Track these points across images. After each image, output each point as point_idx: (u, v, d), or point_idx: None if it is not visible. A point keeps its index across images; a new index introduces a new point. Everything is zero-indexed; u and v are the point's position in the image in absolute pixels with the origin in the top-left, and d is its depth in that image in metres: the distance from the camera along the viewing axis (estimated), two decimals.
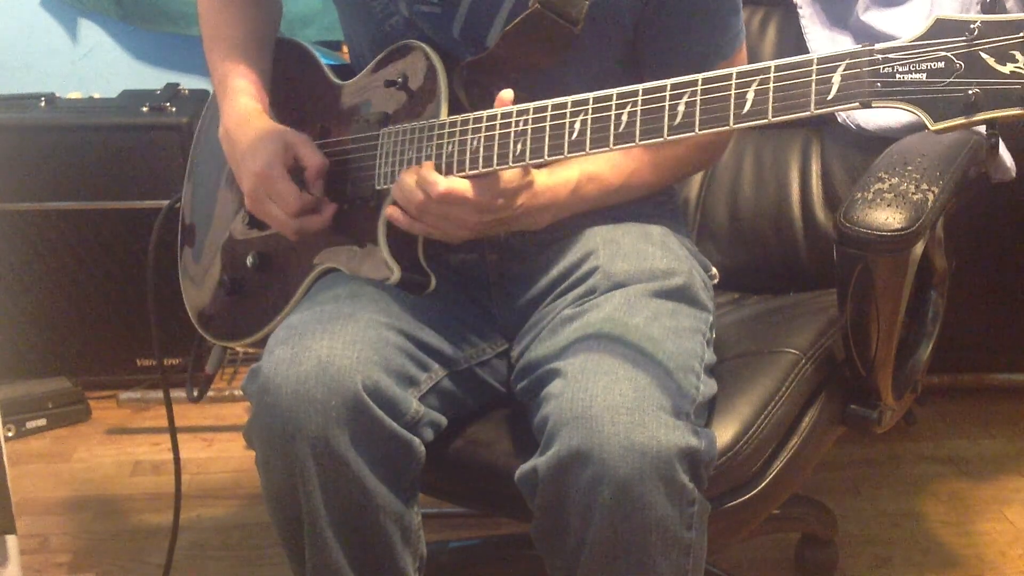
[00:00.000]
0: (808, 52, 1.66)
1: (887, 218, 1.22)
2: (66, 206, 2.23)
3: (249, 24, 1.43)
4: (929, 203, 1.24)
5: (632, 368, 1.12)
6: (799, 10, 1.71)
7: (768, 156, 1.70)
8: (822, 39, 1.69)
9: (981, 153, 1.39)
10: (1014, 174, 1.59)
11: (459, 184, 1.18)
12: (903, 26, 1.65)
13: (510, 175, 1.19)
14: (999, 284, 2.17)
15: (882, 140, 1.51)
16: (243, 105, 1.36)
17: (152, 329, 1.60)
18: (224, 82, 1.40)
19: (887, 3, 1.68)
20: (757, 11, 1.77)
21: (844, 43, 1.69)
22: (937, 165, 1.30)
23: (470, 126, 1.19)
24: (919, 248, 1.26)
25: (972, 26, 0.91)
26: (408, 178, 1.20)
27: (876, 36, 1.66)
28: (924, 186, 1.26)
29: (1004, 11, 0.91)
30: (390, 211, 1.23)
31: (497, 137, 1.16)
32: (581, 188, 1.30)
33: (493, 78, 1.24)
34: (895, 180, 1.27)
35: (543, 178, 1.26)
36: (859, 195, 1.25)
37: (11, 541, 1.55)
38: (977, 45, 0.90)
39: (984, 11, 0.93)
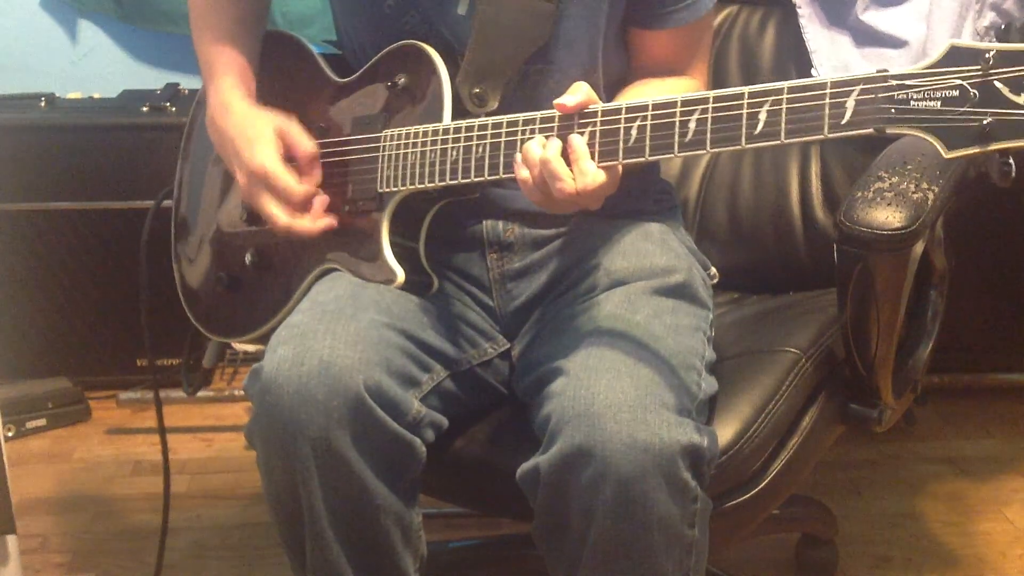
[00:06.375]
0: (807, 52, 1.68)
1: (887, 217, 1.22)
2: (66, 206, 2.23)
3: (237, 11, 1.41)
4: (929, 202, 1.25)
5: (634, 365, 1.12)
6: (798, 10, 1.71)
7: (768, 156, 1.70)
8: (821, 39, 1.69)
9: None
10: (1014, 174, 1.59)
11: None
12: (902, 26, 1.65)
13: None
14: (999, 284, 2.17)
15: (882, 140, 1.51)
16: (225, 91, 1.34)
17: (143, 327, 1.58)
18: (210, 69, 1.38)
19: (886, 3, 1.68)
20: (756, 10, 1.77)
21: (843, 43, 1.69)
22: (937, 164, 1.30)
23: (475, 132, 1.18)
24: (919, 247, 1.27)
25: (987, 55, 0.90)
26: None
27: (875, 36, 1.67)
28: (924, 185, 1.26)
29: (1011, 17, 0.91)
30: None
31: (503, 146, 1.15)
32: None
33: (494, 80, 1.24)
34: (895, 179, 1.27)
35: None
36: (859, 194, 1.26)
37: (11, 541, 1.54)
38: (992, 74, 0.90)
39: (997, 36, 0.92)
